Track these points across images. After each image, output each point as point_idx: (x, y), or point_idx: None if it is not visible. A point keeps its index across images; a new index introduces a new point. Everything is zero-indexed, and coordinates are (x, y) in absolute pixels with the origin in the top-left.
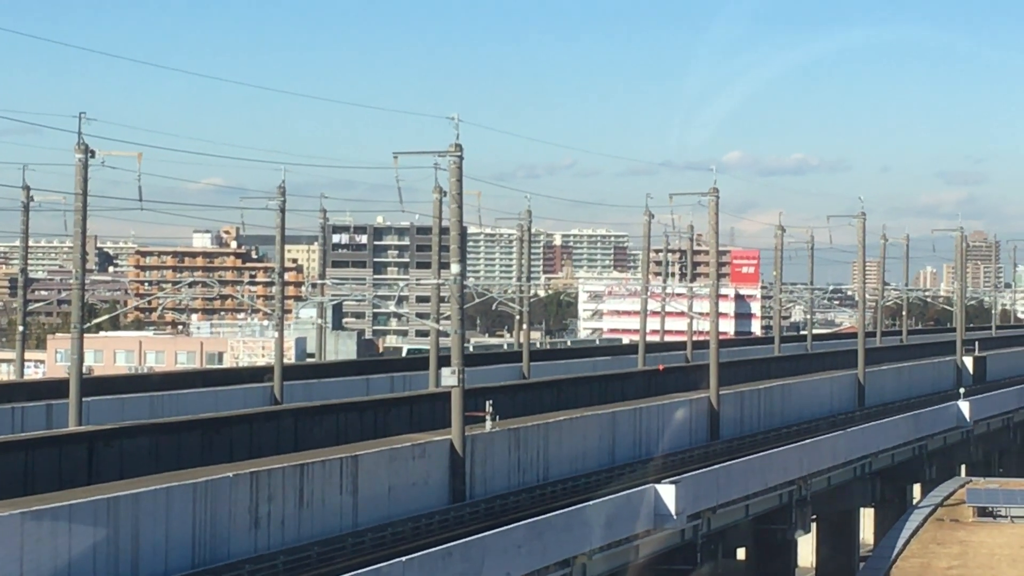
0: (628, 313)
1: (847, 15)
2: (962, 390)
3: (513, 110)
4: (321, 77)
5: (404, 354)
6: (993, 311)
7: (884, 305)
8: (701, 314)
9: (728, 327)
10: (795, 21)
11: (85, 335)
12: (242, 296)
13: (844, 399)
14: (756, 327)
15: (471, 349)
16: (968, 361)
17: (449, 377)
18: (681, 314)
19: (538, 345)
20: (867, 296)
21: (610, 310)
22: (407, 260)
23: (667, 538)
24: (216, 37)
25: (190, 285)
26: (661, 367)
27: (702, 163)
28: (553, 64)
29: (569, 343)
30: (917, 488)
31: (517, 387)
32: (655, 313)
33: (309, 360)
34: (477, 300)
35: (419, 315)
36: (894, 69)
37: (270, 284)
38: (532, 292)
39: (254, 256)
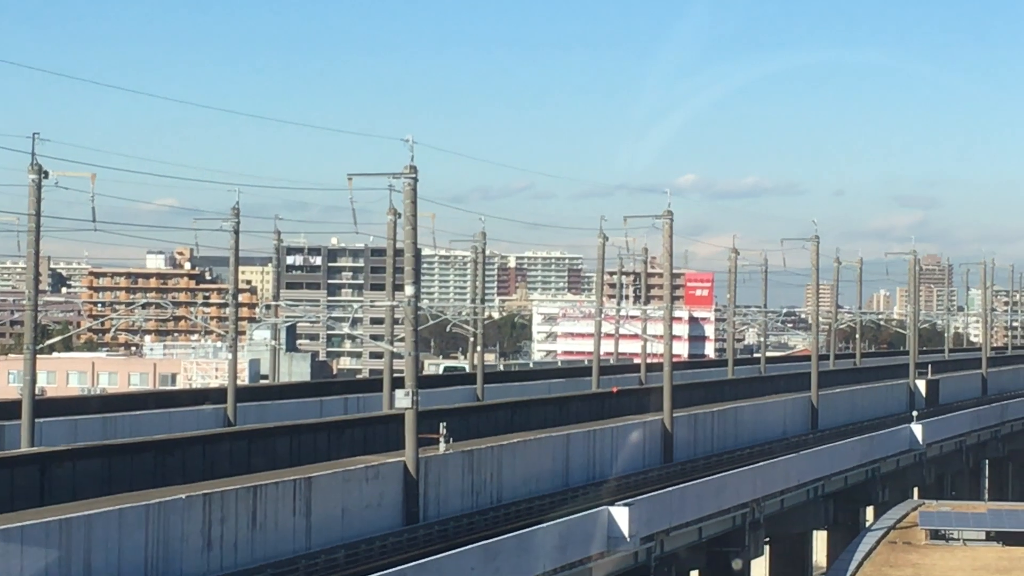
0: (582, 335)
1: (802, 39)
2: (915, 413)
3: (469, 132)
4: (276, 98)
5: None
6: (946, 334)
7: (837, 328)
8: (655, 336)
9: (682, 349)
10: (749, 44)
11: (38, 356)
12: (196, 317)
13: (797, 422)
14: (710, 349)
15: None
16: (921, 384)
17: (403, 399)
18: (635, 336)
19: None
20: (820, 319)
21: (564, 332)
22: (361, 282)
23: (620, 560)
24: (172, 58)
25: (143, 306)
26: (615, 389)
27: (656, 186)
28: (509, 86)
29: (532, 364)
30: (870, 511)
31: (471, 409)
32: (609, 335)
33: (263, 382)
34: (431, 322)
35: (373, 337)
36: (848, 93)
37: (224, 305)
38: (486, 314)
39: (208, 277)
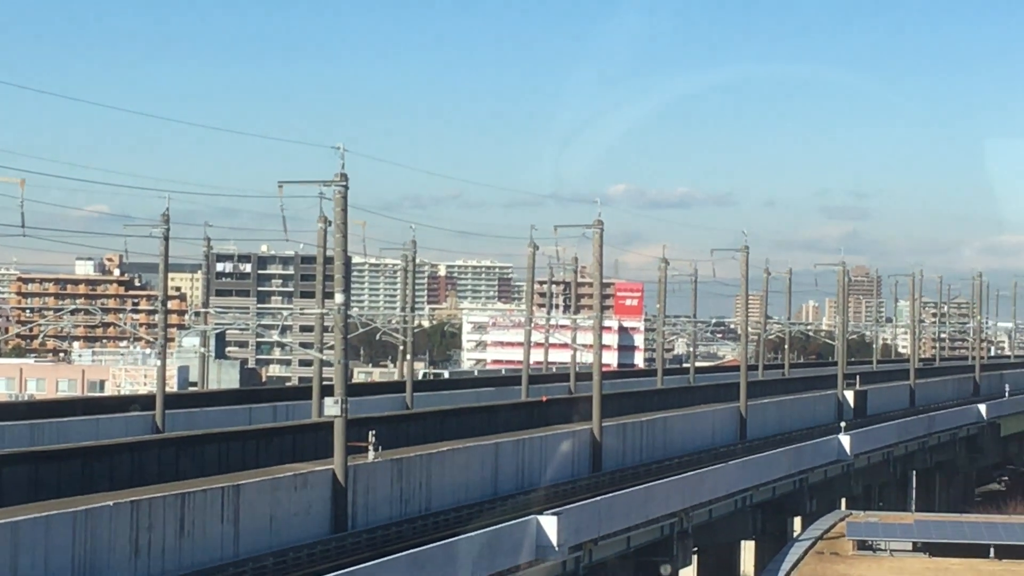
0: (512, 344)
1: (732, 51)
2: (843, 424)
3: (400, 140)
4: (206, 105)
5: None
6: (874, 345)
7: (766, 338)
8: (585, 346)
9: (611, 359)
10: (680, 55)
11: None
12: (125, 324)
13: (726, 432)
14: (639, 359)
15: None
16: (849, 395)
17: (332, 407)
18: (565, 346)
19: (450, 374)
20: (750, 329)
21: (494, 341)
22: (291, 289)
23: (549, 570)
24: (103, 63)
25: (72, 312)
26: (544, 398)
27: (588, 195)
28: (440, 94)
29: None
30: (798, 521)
31: (400, 417)
32: (539, 344)
33: (192, 389)
34: (361, 330)
35: (303, 344)
36: (779, 104)
37: (153, 312)
38: (416, 323)
39: (137, 284)
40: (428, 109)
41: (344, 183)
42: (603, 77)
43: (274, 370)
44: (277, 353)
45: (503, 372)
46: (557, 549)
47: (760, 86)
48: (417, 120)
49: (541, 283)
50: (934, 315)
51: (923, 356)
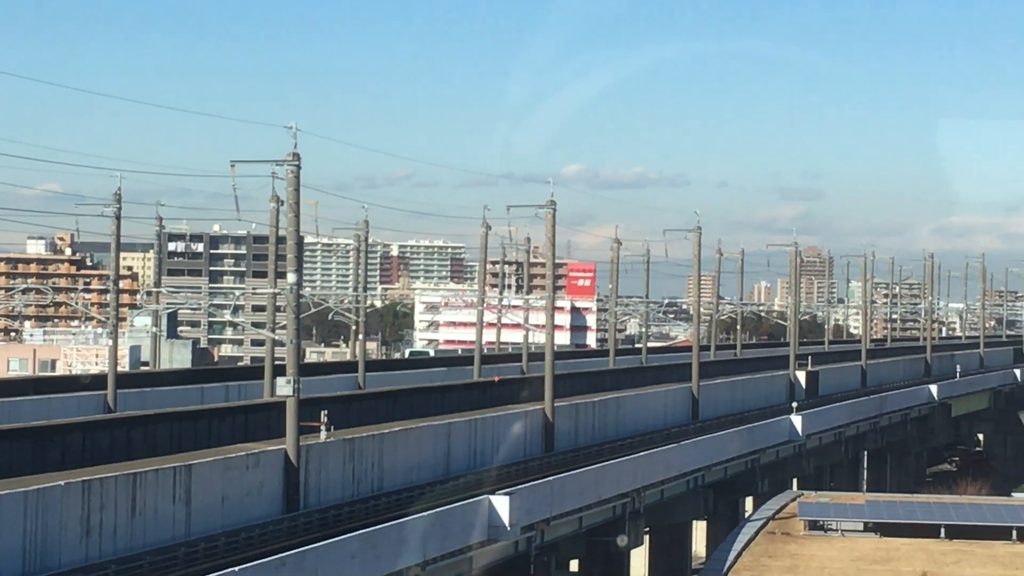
0: (464, 324)
1: (685, 28)
2: (795, 404)
3: (353, 120)
4: (159, 85)
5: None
6: (826, 326)
7: (719, 319)
8: (537, 326)
9: (564, 339)
10: (632, 32)
11: None
12: (76, 303)
13: (678, 412)
14: (592, 339)
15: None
16: (801, 375)
17: (284, 387)
18: (517, 326)
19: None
20: (702, 310)
21: (446, 321)
22: (243, 269)
23: (501, 550)
24: (52, 42)
25: (23, 291)
26: (497, 378)
27: (541, 175)
28: (393, 74)
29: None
30: (749, 501)
31: (352, 397)
32: (491, 324)
33: (143, 368)
34: (313, 310)
35: (255, 324)
36: (733, 85)
37: (105, 292)
38: (368, 303)
39: (89, 263)
40: (381, 88)
41: (296, 163)
42: (553, 54)
43: (226, 350)
44: (229, 333)
45: (459, 352)
46: (509, 529)
47: (715, 66)
48: (370, 99)
49: (494, 263)
50: (886, 296)
51: (875, 337)
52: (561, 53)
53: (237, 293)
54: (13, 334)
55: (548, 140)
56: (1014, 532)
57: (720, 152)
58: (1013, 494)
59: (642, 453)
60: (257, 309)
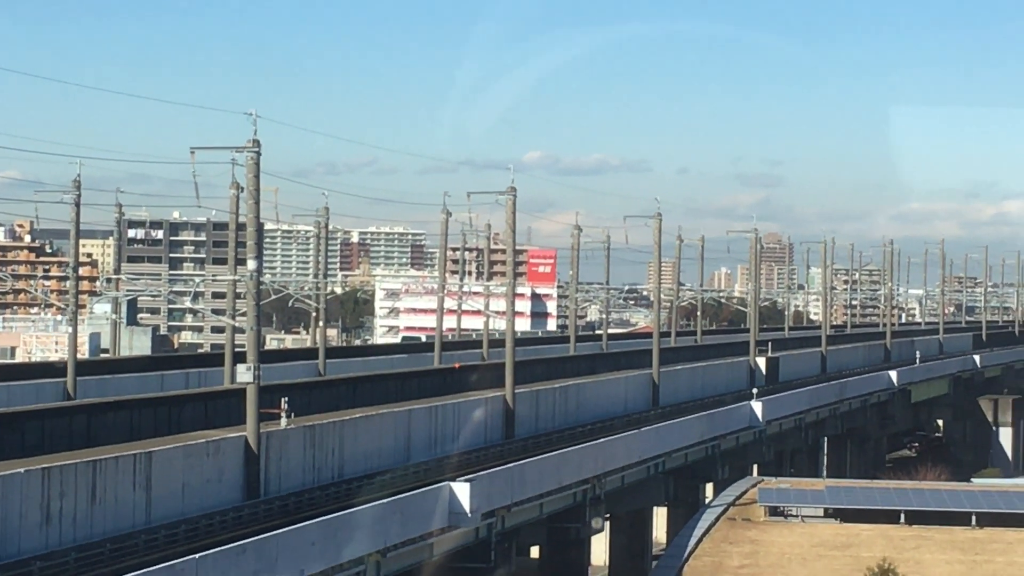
0: (425, 311)
1: (644, 12)
2: (755, 390)
3: (313, 107)
4: (119, 71)
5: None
6: (786, 312)
7: (679, 305)
8: (497, 313)
9: (524, 326)
10: (589, 15)
11: None
12: (35, 290)
13: (638, 398)
14: (552, 326)
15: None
16: (761, 362)
17: (244, 374)
18: (477, 312)
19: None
20: (662, 296)
21: (407, 308)
22: (203, 256)
23: (461, 536)
24: (10, 27)
25: None
26: (457, 365)
27: (501, 162)
28: (353, 60)
29: (422, 339)
30: (710, 487)
31: (313, 384)
32: (452, 311)
33: (103, 356)
34: (273, 297)
35: (215, 311)
36: (693, 71)
37: (64, 279)
38: (329, 289)
39: (48, 250)
40: (341, 75)
41: (257, 149)
42: (507, 38)
43: (186, 337)
44: (189, 320)
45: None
46: (470, 516)
47: (674, 52)
48: (331, 86)
49: (454, 250)
50: (846, 282)
51: (835, 323)
52: (515, 37)
53: (197, 280)
54: None
55: (504, 125)
56: (973, 517)
57: (680, 139)
58: (972, 480)
59: (602, 439)
60: (217, 296)
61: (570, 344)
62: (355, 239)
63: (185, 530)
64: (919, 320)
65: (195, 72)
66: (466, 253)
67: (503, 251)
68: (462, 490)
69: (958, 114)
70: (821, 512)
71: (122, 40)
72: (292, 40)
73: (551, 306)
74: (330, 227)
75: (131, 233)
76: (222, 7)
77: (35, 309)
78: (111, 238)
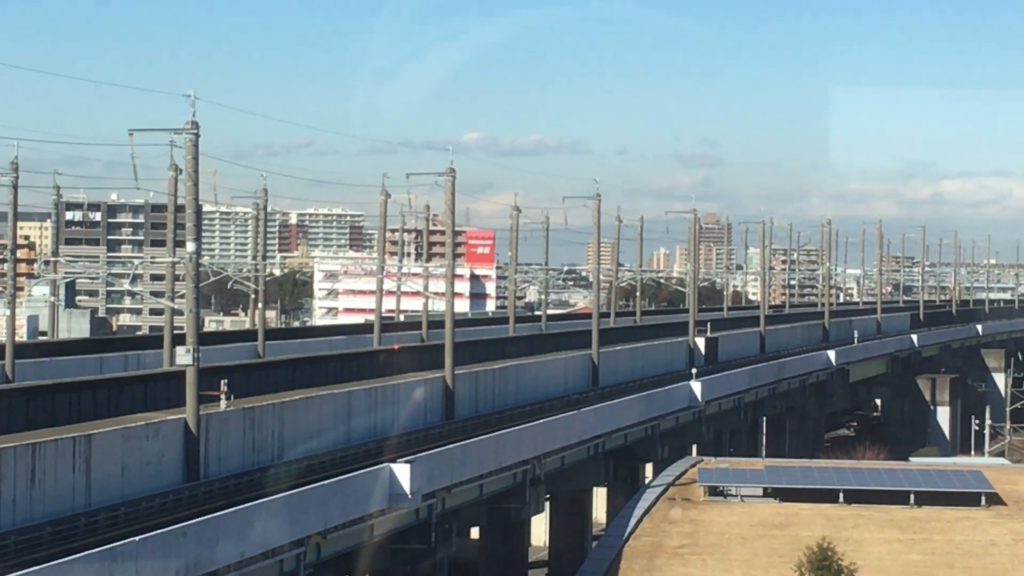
0: (364, 292)
1: None
2: (694, 371)
3: (252, 88)
4: (56, 52)
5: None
6: (725, 292)
7: (618, 286)
8: (437, 294)
9: (463, 307)
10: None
11: None
12: None
13: (578, 379)
14: (491, 307)
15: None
16: (700, 342)
17: (184, 356)
18: (417, 294)
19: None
20: (601, 277)
21: (346, 289)
22: (142, 238)
23: (402, 517)
24: None
25: None
26: (396, 346)
27: (440, 143)
28: (292, 41)
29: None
30: (649, 468)
31: (252, 366)
32: (391, 293)
33: (41, 338)
34: (212, 278)
35: (154, 293)
36: (632, 52)
37: (2, 261)
38: (268, 271)
39: None
40: (280, 55)
41: (195, 131)
42: (444, 12)
43: (125, 319)
44: (128, 302)
45: (364, 321)
46: (410, 497)
47: (611, 32)
48: (270, 67)
49: (393, 231)
50: (784, 262)
51: (773, 303)
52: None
53: (136, 262)
54: None
55: (443, 106)
56: (911, 496)
57: (619, 119)
58: (910, 458)
59: (542, 420)
60: (156, 278)
61: (509, 325)
62: (293, 221)
63: (125, 513)
64: (857, 300)
65: (133, 54)
66: (405, 234)
67: (442, 232)
68: (402, 471)
69: (897, 94)
70: (760, 492)
71: (59, 21)
72: (230, 21)
73: (490, 287)
74: (269, 209)
75: (69, 215)
76: None
77: None
78: (49, 220)
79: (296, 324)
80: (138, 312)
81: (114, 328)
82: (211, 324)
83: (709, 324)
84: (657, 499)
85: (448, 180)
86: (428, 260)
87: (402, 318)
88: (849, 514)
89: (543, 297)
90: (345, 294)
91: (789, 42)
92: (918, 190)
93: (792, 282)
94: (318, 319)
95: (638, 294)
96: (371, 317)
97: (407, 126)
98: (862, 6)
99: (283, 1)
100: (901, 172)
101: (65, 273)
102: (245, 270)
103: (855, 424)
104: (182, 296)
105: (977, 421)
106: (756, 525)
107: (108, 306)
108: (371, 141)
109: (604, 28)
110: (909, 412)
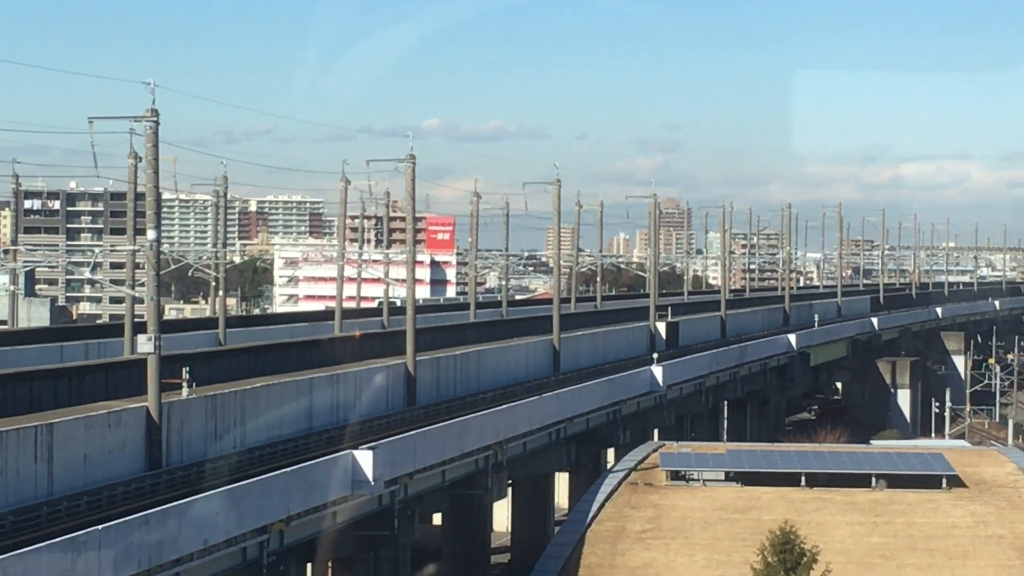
0: (324, 279)
1: None
2: (655, 355)
3: (211, 75)
4: (14, 40)
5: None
6: (685, 277)
7: (579, 271)
8: (397, 280)
9: (424, 293)
10: None
11: None
12: None
13: (540, 365)
14: (452, 293)
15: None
16: (661, 327)
17: (145, 344)
18: (377, 280)
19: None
20: (561, 262)
21: (306, 276)
22: (101, 226)
23: (364, 504)
24: None
25: None
26: (358, 333)
27: (400, 130)
28: (250, 28)
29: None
30: (611, 452)
31: (213, 354)
32: (351, 279)
33: (1, 327)
34: (173, 266)
35: (114, 282)
36: (591, 36)
37: None
38: (228, 258)
39: None
40: (239, 42)
41: (155, 119)
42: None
43: (85, 308)
44: (88, 291)
45: (325, 308)
46: (373, 483)
47: (573, 17)
48: (229, 54)
49: (353, 218)
50: (744, 246)
51: (733, 287)
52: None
53: (96, 250)
54: None
55: (402, 91)
56: (873, 479)
57: (579, 104)
58: (871, 441)
59: (504, 406)
60: (116, 266)
61: (470, 311)
62: (253, 208)
63: (88, 501)
64: (817, 283)
65: (92, 41)
66: (365, 221)
67: (402, 219)
68: (365, 458)
69: (857, 78)
70: (722, 476)
71: (16, 9)
72: (190, 7)
73: (450, 273)
74: (228, 196)
75: (28, 204)
76: None
77: None
78: (8, 209)
79: (257, 311)
80: (98, 301)
81: (74, 317)
82: (171, 312)
83: (670, 309)
84: (619, 484)
85: (408, 166)
86: (388, 247)
87: (378, 304)
88: (811, 497)
89: (503, 283)
90: (306, 281)
91: (750, 26)
92: (877, 173)
93: (752, 266)
94: (279, 306)
95: (599, 279)
96: (332, 304)
97: (366, 112)
98: None
99: None
100: (861, 155)
101: (24, 262)
102: (205, 258)
103: (816, 408)
104: (142, 284)
105: (937, 404)
106: (718, 509)
107: (68, 295)
108: (330, 128)
109: (563, 12)
110: (870, 395)
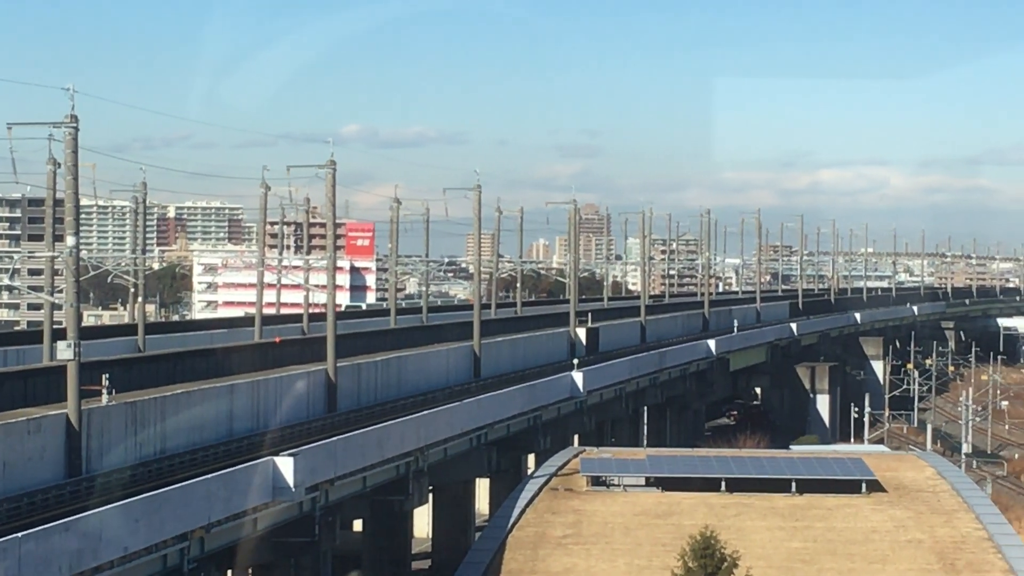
0: (244, 286)
1: None
2: (575, 361)
3: (130, 81)
4: None
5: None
6: (605, 283)
7: (499, 277)
8: (317, 286)
9: (343, 299)
10: None
11: None
12: None
13: (460, 370)
14: (371, 299)
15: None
16: (581, 332)
17: (64, 351)
18: (297, 286)
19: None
20: (482, 268)
21: (226, 283)
22: (19, 232)
23: (285, 511)
24: None
25: None
26: (278, 339)
27: (320, 135)
28: (167, 32)
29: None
30: (532, 458)
31: (133, 360)
32: (271, 286)
33: None
34: (92, 273)
35: (32, 288)
36: (511, 43)
37: None
38: (147, 265)
39: None
40: (157, 47)
41: (75, 125)
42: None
43: (2, 315)
44: (5, 297)
45: (245, 314)
46: (294, 490)
47: (491, 24)
48: (147, 59)
49: (273, 224)
50: (663, 252)
51: (653, 293)
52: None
53: (14, 257)
54: None
55: (322, 98)
56: (793, 484)
57: (499, 110)
58: (791, 447)
59: (425, 412)
60: (34, 273)
61: (391, 317)
62: (172, 214)
63: (7, 509)
64: (736, 289)
65: (10, 46)
66: (285, 227)
67: (322, 224)
68: (285, 464)
69: (775, 85)
70: (643, 481)
71: None
72: (109, 13)
73: (370, 279)
74: (147, 202)
75: None
76: None
77: None
78: None
79: (176, 318)
80: (16, 307)
81: None
82: (90, 318)
83: (590, 314)
84: (540, 490)
85: (328, 172)
86: (308, 253)
87: (308, 311)
88: (731, 502)
89: (423, 288)
90: (225, 287)
91: (670, 33)
92: (796, 179)
93: (672, 272)
94: (198, 313)
95: (519, 285)
96: (251, 310)
97: (286, 118)
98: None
99: None
100: (779, 161)
101: None
102: (124, 264)
103: (736, 413)
104: (61, 291)
105: (856, 409)
106: (639, 515)
107: None
108: (250, 133)
109: (482, 19)
110: (789, 400)
